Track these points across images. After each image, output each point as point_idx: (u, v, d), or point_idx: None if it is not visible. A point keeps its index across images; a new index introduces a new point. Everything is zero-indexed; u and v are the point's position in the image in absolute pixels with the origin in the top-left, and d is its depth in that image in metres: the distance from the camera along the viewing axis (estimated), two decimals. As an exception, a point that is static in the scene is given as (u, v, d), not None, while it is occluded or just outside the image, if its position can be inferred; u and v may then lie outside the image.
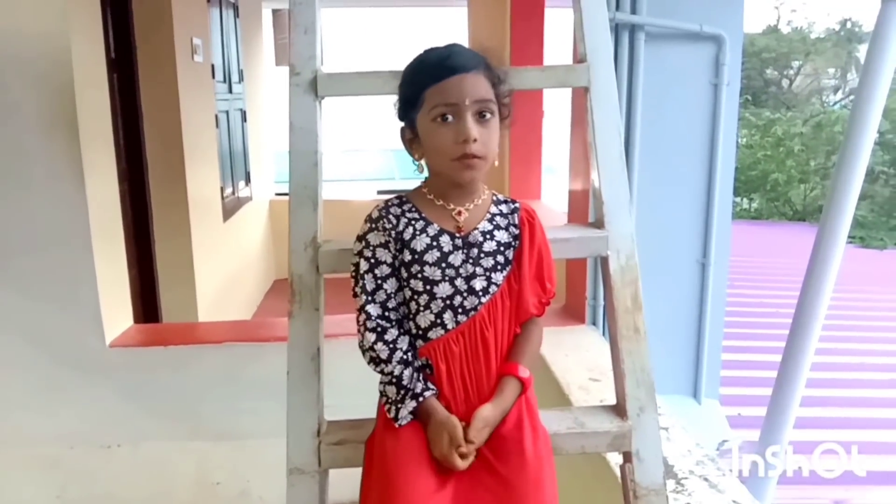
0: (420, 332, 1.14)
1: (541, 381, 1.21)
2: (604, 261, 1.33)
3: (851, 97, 14.60)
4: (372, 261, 1.14)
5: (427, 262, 1.12)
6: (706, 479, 1.58)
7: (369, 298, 1.13)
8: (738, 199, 14.42)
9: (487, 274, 1.14)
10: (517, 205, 1.21)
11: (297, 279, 1.28)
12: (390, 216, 1.15)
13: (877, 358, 5.88)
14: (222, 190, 4.77)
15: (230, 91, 5.07)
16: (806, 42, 18.08)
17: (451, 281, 1.12)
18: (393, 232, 1.14)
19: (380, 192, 6.85)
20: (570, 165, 2.86)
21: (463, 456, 1.08)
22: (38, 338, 2.61)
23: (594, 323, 2.76)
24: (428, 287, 1.12)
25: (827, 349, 4.92)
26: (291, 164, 1.30)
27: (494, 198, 1.21)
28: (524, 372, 1.14)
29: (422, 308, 1.13)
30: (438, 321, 1.12)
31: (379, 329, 1.13)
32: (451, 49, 1.13)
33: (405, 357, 1.12)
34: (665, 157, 2.86)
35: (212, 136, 4.52)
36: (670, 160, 2.89)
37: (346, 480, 1.32)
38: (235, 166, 5.21)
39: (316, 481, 1.27)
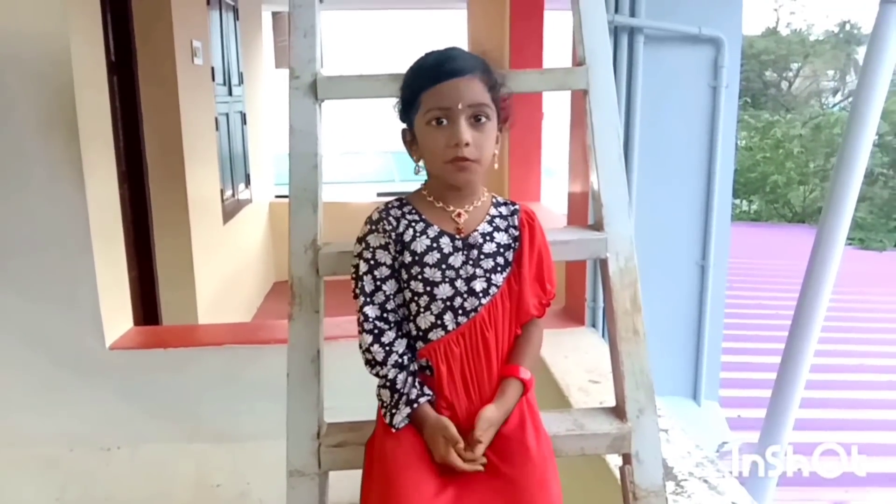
0: (420, 334, 1.14)
1: (540, 383, 1.21)
2: (603, 263, 1.33)
3: (850, 99, 14.64)
4: (371, 262, 1.14)
5: (427, 264, 1.13)
6: (706, 481, 1.58)
7: (367, 300, 1.14)
8: (737, 201, 14.45)
9: (487, 275, 1.14)
10: (517, 207, 1.22)
11: (297, 281, 1.28)
12: (390, 218, 1.15)
13: (876, 359, 5.87)
14: (222, 192, 4.77)
15: (230, 93, 5.08)
16: (805, 44, 18.11)
17: (452, 282, 1.13)
18: (393, 234, 1.14)
19: (379, 195, 6.85)
20: (570, 168, 2.87)
21: (468, 459, 1.08)
22: (37, 339, 2.61)
23: (594, 325, 2.76)
24: (428, 288, 1.12)
25: (826, 351, 4.93)
26: (291, 166, 1.30)
27: (494, 200, 1.21)
28: (525, 373, 1.15)
29: (422, 309, 1.13)
30: (439, 322, 1.13)
31: (376, 331, 1.13)
32: (448, 53, 1.14)
33: (400, 360, 1.13)
34: (664, 160, 2.86)
35: (211, 138, 4.52)
36: (669, 162, 2.89)
37: (346, 482, 1.32)
38: (235, 168, 5.22)
39: (316, 483, 1.27)
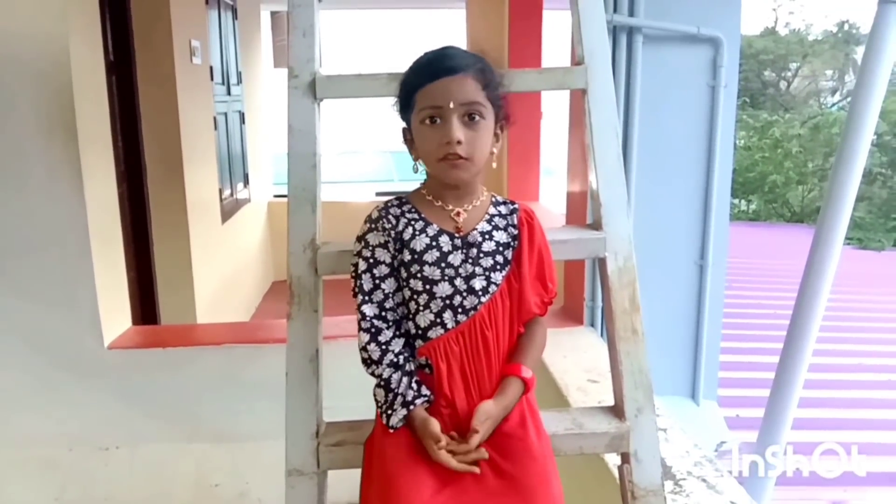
0: (420, 332, 1.14)
1: (539, 383, 1.21)
2: (602, 262, 1.33)
3: (849, 99, 14.63)
4: (370, 261, 1.14)
5: (426, 262, 1.13)
6: (704, 480, 1.59)
7: (366, 298, 1.14)
8: (735, 201, 14.45)
9: (487, 274, 1.14)
10: (516, 206, 1.22)
11: (296, 281, 1.28)
12: (390, 216, 1.15)
13: (874, 359, 5.87)
14: (221, 192, 4.77)
15: (228, 93, 5.08)
16: (803, 44, 18.12)
17: (451, 280, 1.13)
18: (392, 232, 1.14)
19: (378, 194, 6.86)
20: (569, 167, 2.87)
21: (462, 451, 1.08)
22: (36, 339, 2.61)
23: (592, 324, 2.76)
24: (427, 287, 1.12)
25: (825, 350, 4.93)
26: (290, 166, 1.30)
27: (493, 199, 1.21)
28: (527, 372, 1.15)
29: (421, 308, 1.13)
30: (438, 321, 1.13)
31: (373, 330, 1.13)
32: (443, 52, 1.14)
33: (396, 360, 1.13)
34: (663, 159, 2.86)
35: (210, 137, 4.52)
36: (668, 162, 2.89)
37: (345, 482, 1.32)
38: (234, 168, 5.21)
39: (315, 482, 1.27)
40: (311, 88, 1.31)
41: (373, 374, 1.14)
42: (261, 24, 6.66)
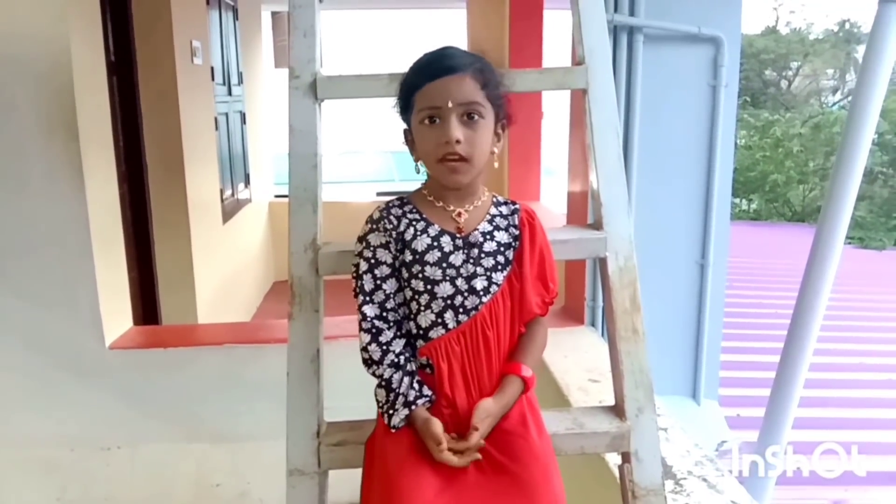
0: (421, 332, 1.14)
1: (540, 382, 1.21)
2: (602, 262, 1.34)
3: (850, 98, 14.61)
4: (372, 261, 1.14)
5: (428, 262, 1.13)
6: (705, 480, 1.59)
7: (367, 299, 1.14)
8: (736, 200, 14.46)
9: (488, 274, 1.14)
10: (517, 206, 1.22)
11: (297, 281, 1.28)
12: (391, 217, 1.15)
13: (875, 358, 5.88)
14: (222, 192, 4.78)
15: (229, 93, 5.08)
16: (804, 43, 18.11)
17: (452, 281, 1.13)
18: (394, 232, 1.14)
19: (379, 194, 6.85)
20: (569, 167, 2.87)
21: (461, 450, 1.08)
22: (37, 340, 2.61)
23: (593, 324, 2.76)
24: (429, 287, 1.13)
25: (825, 350, 4.93)
26: (291, 166, 1.30)
27: (494, 199, 1.21)
28: (527, 371, 1.15)
29: (423, 308, 1.13)
30: (439, 321, 1.13)
31: (374, 330, 1.13)
32: (441, 52, 1.14)
33: (396, 360, 1.13)
34: (663, 159, 2.86)
35: (211, 138, 4.53)
36: (669, 162, 2.89)
37: (346, 482, 1.32)
38: (235, 168, 5.22)
39: (316, 482, 1.27)
40: (312, 89, 1.31)
41: (374, 374, 1.14)
42: (261, 25, 6.66)
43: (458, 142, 1.09)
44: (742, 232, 10.11)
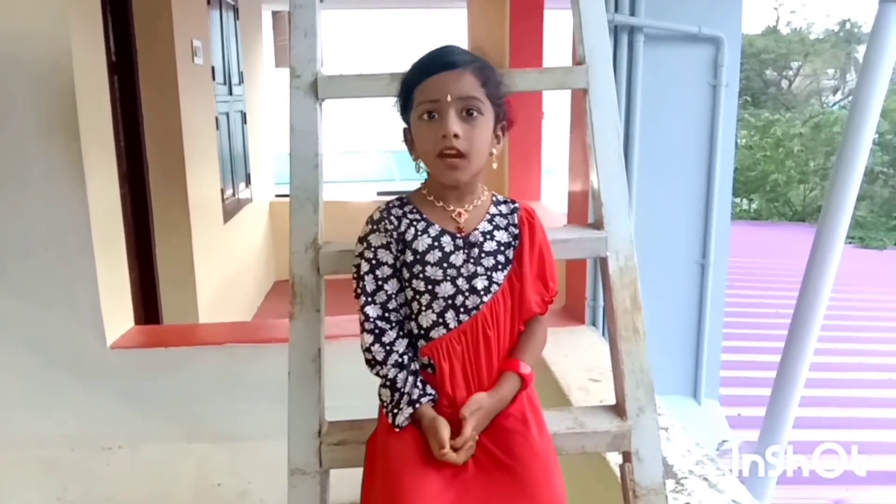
0: (422, 332, 1.14)
1: (541, 382, 1.21)
2: (603, 262, 1.34)
3: (850, 97, 14.61)
4: (373, 262, 1.14)
5: (429, 263, 1.13)
6: (706, 479, 1.59)
7: (369, 300, 1.14)
8: (737, 200, 14.46)
9: (489, 273, 1.15)
10: (517, 205, 1.22)
11: (298, 281, 1.28)
12: (392, 217, 1.16)
13: (876, 358, 5.88)
14: (222, 191, 4.78)
15: (230, 93, 5.08)
16: (805, 43, 18.11)
17: (453, 280, 1.13)
18: (395, 233, 1.14)
19: (380, 194, 6.85)
20: (570, 167, 2.87)
21: (455, 447, 1.08)
22: (38, 340, 2.61)
23: (594, 323, 2.76)
24: (430, 287, 1.13)
25: (826, 349, 4.93)
26: (292, 166, 1.30)
27: (494, 199, 1.21)
28: (525, 368, 1.15)
29: (424, 308, 1.13)
30: (440, 321, 1.13)
31: (377, 331, 1.13)
32: (441, 49, 1.14)
33: (400, 360, 1.13)
34: (664, 159, 2.87)
35: (212, 137, 4.53)
36: (669, 161, 2.89)
37: (347, 481, 1.32)
38: (236, 168, 5.22)
39: (317, 482, 1.27)
40: (312, 89, 1.31)
41: (377, 374, 1.14)
42: (262, 24, 6.66)
43: (455, 136, 1.09)
44: (742, 232, 10.11)
